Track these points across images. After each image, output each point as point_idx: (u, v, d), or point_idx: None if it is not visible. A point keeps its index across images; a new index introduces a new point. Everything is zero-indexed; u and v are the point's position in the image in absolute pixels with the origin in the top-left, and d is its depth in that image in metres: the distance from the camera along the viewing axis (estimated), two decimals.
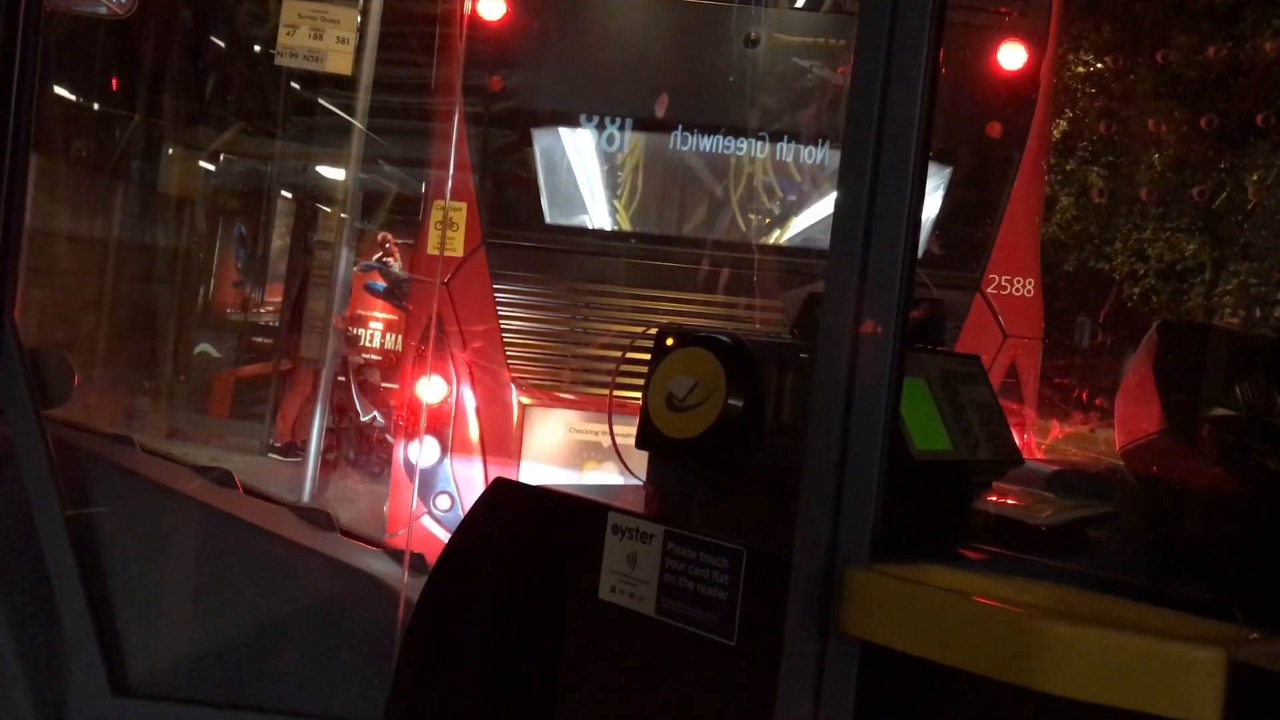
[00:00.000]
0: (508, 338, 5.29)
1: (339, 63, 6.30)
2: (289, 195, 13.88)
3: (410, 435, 5.41)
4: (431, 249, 5.35)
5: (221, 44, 11.55)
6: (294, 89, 10.48)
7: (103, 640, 2.30)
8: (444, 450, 5.28)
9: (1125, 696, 1.22)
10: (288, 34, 6.03)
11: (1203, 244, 15.74)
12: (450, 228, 5.29)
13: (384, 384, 10.07)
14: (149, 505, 2.45)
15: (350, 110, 7.37)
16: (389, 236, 11.33)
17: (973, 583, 1.41)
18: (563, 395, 5.28)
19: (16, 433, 2.27)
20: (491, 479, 2.02)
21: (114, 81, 10.19)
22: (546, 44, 5.60)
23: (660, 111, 5.23)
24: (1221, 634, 1.27)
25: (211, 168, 12.62)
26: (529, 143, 5.49)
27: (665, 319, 4.96)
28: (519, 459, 5.27)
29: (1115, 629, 1.26)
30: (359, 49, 6.51)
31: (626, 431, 2.05)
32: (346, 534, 2.58)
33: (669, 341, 1.92)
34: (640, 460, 1.99)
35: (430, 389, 5.28)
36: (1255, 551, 1.61)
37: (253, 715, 2.30)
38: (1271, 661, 1.23)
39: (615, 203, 5.62)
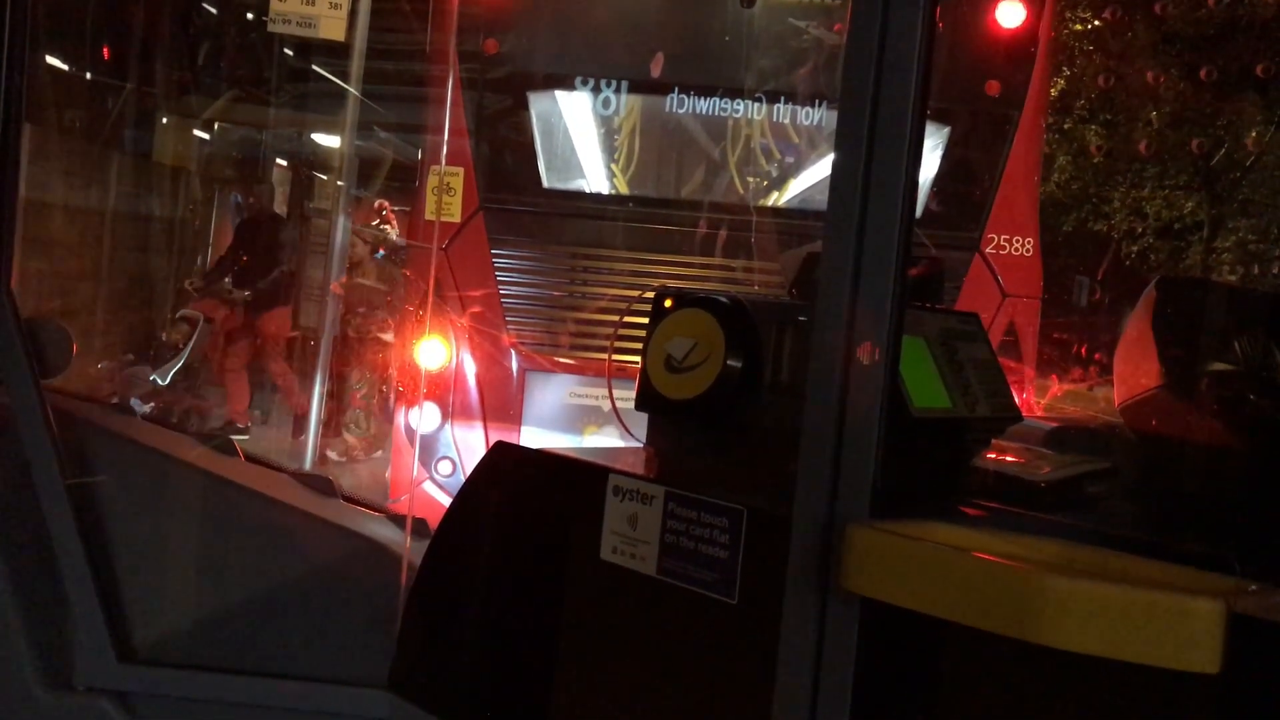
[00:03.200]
0: (507, 302, 5.28)
1: (332, 28, 6.27)
2: (284, 163, 13.82)
3: (410, 401, 5.42)
4: (429, 214, 5.34)
5: (214, 10, 11.47)
6: (288, 56, 10.42)
7: (107, 608, 2.30)
8: (444, 416, 5.29)
9: (1126, 649, 1.23)
10: None
11: (1201, 201, 15.70)
12: (447, 193, 5.27)
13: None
14: (150, 473, 2.45)
15: (344, 77, 7.32)
16: (385, 203, 11.30)
17: (972, 539, 1.41)
18: (562, 360, 5.28)
19: (16, 402, 2.27)
20: (493, 443, 2.02)
21: (106, 50, 10.13)
22: (540, 6, 5.56)
23: (656, 72, 5.20)
24: (1221, 586, 1.28)
25: (206, 136, 12.57)
26: (525, 106, 5.46)
27: (663, 282, 4.95)
28: (519, 424, 5.28)
29: (1115, 582, 1.27)
30: (352, 14, 6.46)
31: (626, 395, 2.05)
32: (348, 500, 2.58)
33: (667, 303, 1.92)
34: (640, 423, 1.99)
35: (430, 355, 5.28)
36: (1253, 504, 1.61)
37: (257, 680, 2.31)
38: (1271, 612, 1.23)
39: (612, 166, 5.60)
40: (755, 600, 1.56)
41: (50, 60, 9.40)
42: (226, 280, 9.44)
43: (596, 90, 5.42)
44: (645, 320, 1.96)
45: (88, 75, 10.35)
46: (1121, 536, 1.46)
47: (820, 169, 5.41)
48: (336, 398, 8.85)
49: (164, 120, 11.26)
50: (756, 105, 5.37)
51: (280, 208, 14.11)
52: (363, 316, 9.08)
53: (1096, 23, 13.13)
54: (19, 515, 2.31)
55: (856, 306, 1.46)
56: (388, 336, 8.97)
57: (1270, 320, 1.93)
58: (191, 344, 8.90)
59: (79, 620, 2.29)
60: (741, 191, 5.49)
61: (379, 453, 8.79)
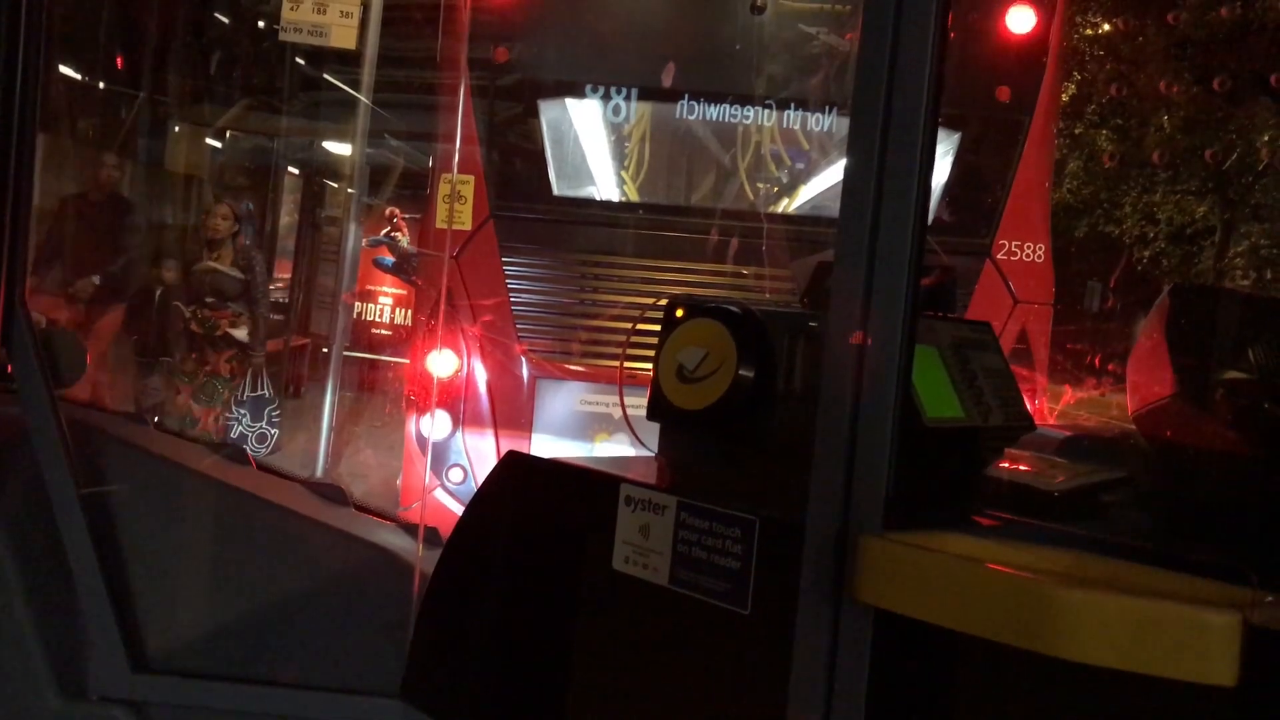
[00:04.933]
0: (517, 310, 5.29)
1: (343, 37, 6.29)
2: (296, 171, 13.87)
3: (422, 410, 5.43)
4: (440, 222, 5.35)
5: (226, 20, 11.52)
6: (299, 64, 10.46)
7: (120, 617, 2.31)
8: (456, 424, 5.29)
9: (1140, 661, 1.22)
10: (291, 9, 6.02)
11: (1213, 206, 15.66)
12: (458, 201, 5.28)
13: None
14: (163, 482, 2.45)
15: (355, 85, 7.34)
16: (396, 211, 11.31)
17: (986, 549, 1.41)
18: (573, 367, 5.28)
19: (30, 412, 2.28)
20: (504, 452, 2.02)
21: (119, 59, 10.17)
22: (551, 14, 5.57)
23: (667, 80, 5.21)
24: (1236, 597, 1.27)
25: (218, 145, 12.62)
26: (535, 114, 5.47)
27: (674, 290, 4.95)
28: (530, 432, 5.28)
29: (1130, 594, 1.26)
30: (363, 23, 6.49)
31: (637, 403, 2.05)
32: (360, 508, 2.58)
33: (679, 313, 1.91)
34: (651, 432, 1.99)
35: (441, 363, 5.29)
36: (1269, 514, 1.60)
37: (269, 689, 2.32)
38: None
39: (623, 174, 5.60)
40: (768, 610, 1.55)
41: (63, 69, 9.44)
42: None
43: (607, 98, 5.43)
44: (656, 328, 1.96)
45: (101, 84, 10.39)
46: (1136, 547, 1.46)
47: (831, 175, 5.41)
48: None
49: (176, 129, 11.30)
50: (767, 112, 5.37)
51: (291, 216, 14.14)
52: (211, 308, 7.88)
53: (1107, 28, 13.12)
54: (33, 525, 2.32)
55: (869, 315, 1.46)
56: (239, 333, 7.91)
57: None
58: None
59: (93, 630, 2.30)
60: (752, 198, 5.49)
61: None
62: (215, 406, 7.88)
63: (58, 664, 2.31)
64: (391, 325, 12.19)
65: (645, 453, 1.99)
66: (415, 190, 11.07)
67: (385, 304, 12.31)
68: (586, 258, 5.36)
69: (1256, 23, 11.97)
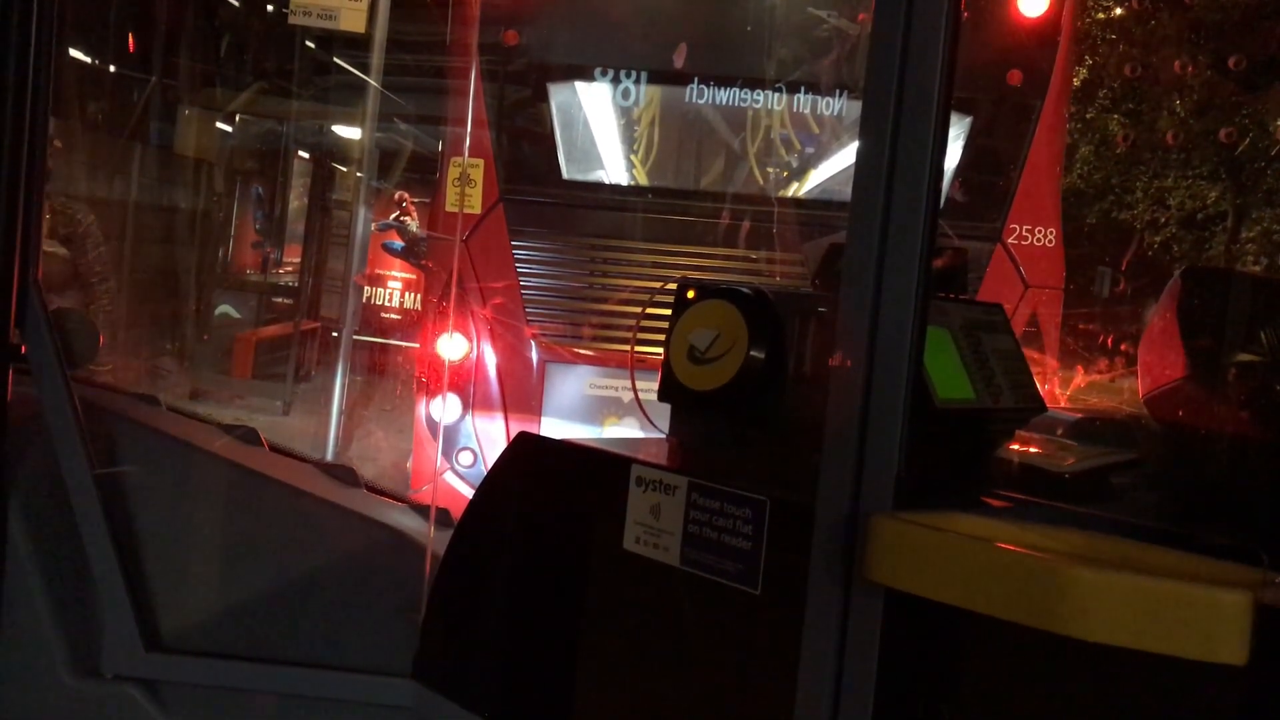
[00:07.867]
0: (527, 294, 5.29)
1: (352, 20, 6.30)
2: (306, 155, 13.87)
3: (432, 393, 5.44)
4: (450, 206, 5.35)
5: (236, 3, 11.51)
6: (309, 48, 10.46)
7: (134, 597, 2.33)
8: (466, 407, 5.31)
9: (1151, 640, 1.22)
10: None
11: (1225, 191, 15.59)
12: (468, 184, 5.28)
13: None
14: (176, 463, 2.46)
15: (365, 69, 7.34)
16: (405, 195, 11.32)
17: (996, 529, 1.41)
18: (582, 351, 5.29)
19: (44, 393, 2.29)
20: (515, 434, 2.03)
21: (130, 43, 10.18)
22: None
23: (678, 63, 5.20)
24: (1247, 577, 1.27)
25: (228, 129, 12.62)
26: (545, 98, 5.47)
27: (684, 274, 4.95)
28: (540, 415, 5.29)
29: (1140, 573, 1.26)
30: (372, 7, 6.49)
31: (644, 387, 2.05)
32: (372, 490, 2.59)
33: (690, 294, 1.92)
34: (662, 414, 1.99)
35: (451, 346, 5.30)
36: (1279, 495, 1.60)
37: (282, 668, 2.33)
38: None
39: (632, 157, 5.60)
40: (778, 590, 1.56)
41: (74, 53, 9.44)
42: None
43: (616, 81, 5.42)
44: (664, 312, 1.96)
45: (111, 68, 10.39)
46: (1146, 528, 1.46)
47: (841, 159, 5.40)
48: None
49: (186, 113, 11.31)
50: (776, 95, 5.36)
51: (301, 200, 14.13)
52: None
53: (1119, 11, 13.05)
54: (47, 505, 2.33)
55: (880, 297, 1.46)
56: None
57: None
58: None
59: (107, 609, 2.31)
60: (761, 182, 5.48)
61: None
62: None
63: (72, 642, 2.33)
64: (400, 310, 12.22)
65: (657, 434, 1.99)
66: (424, 174, 11.08)
67: (394, 288, 12.33)
68: (596, 241, 5.36)
69: (1271, 5, 11.89)
